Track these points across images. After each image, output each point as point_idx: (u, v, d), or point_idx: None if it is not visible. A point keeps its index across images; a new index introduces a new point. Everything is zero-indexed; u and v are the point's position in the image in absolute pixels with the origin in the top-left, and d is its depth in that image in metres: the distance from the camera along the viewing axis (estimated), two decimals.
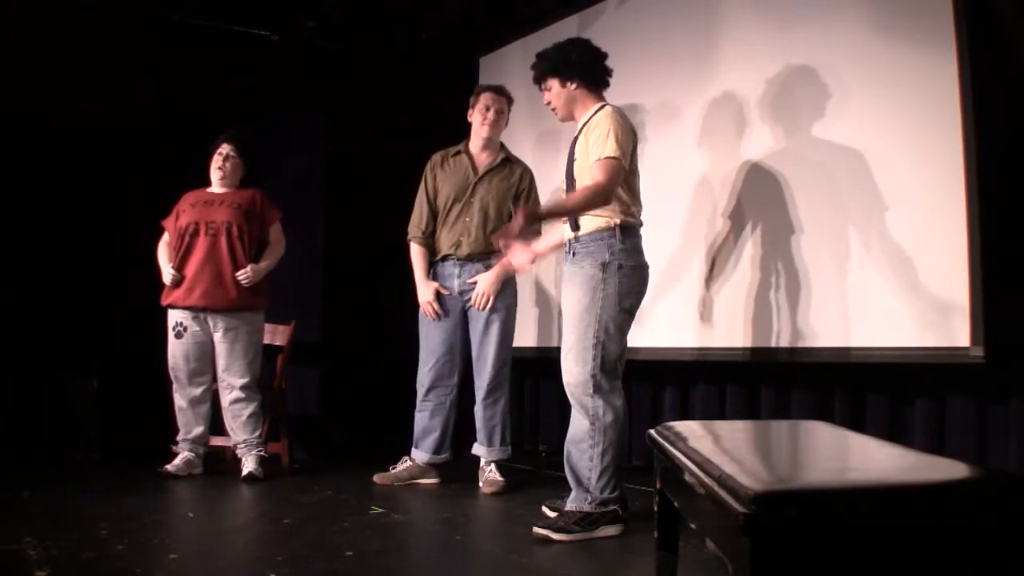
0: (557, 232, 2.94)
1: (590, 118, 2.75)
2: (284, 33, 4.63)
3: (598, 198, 2.59)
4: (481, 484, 3.51)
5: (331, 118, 4.92)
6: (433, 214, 3.64)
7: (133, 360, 4.69)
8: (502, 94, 3.61)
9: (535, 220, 2.65)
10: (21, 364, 4.65)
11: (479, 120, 3.57)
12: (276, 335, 4.38)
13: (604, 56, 2.85)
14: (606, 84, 2.87)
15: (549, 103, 2.89)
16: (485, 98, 3.57)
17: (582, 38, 2.95)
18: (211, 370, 3.86)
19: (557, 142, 4.18)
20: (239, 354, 3.79)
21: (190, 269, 3.77)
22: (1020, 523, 1.06)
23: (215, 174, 3.91)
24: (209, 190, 3.93)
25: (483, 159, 3.60)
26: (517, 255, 2.70)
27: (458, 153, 3.64)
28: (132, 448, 4.27)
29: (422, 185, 3.68)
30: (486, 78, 4.80)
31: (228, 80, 4.72)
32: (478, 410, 3.58)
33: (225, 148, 3.91)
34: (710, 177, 3.52)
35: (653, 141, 3.76)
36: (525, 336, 4.30)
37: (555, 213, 2.73)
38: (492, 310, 3.51)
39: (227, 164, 3.90)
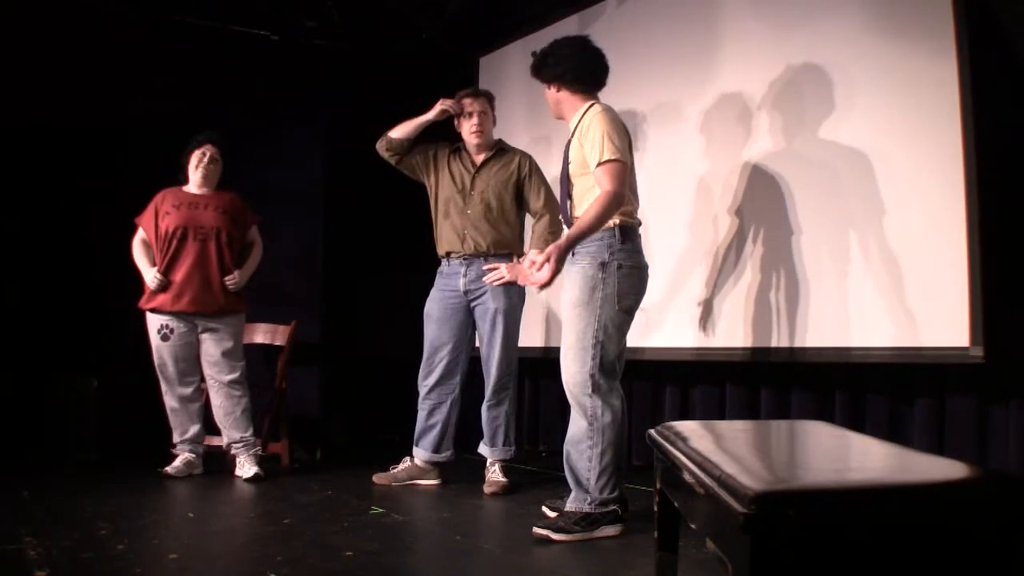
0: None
1: (580, 120, 2.74)
2: (284, 33, 4.63)
3: (612, 206, 2.57)
4: (485, 484, 3.52)
5: (331, 118, 4.92)
6: (425, 159, 3.64)
7: (133, 361, 4.67)
8: (479, 96, 3.59)
9: (563, 255, 2.59)
10: (21, 365, 4.64)
11: (466, 129, 3.58)
12: (276, 335, 4.38)
13: (596, 56, 2.81)
14: (599, 84, 2.84)
15: (547, 99, 2.90)
16: (465, 104, 3.56)
17: (573, 37, 2.93)
18: (199, 369, 3.87)
19: (555, 143, 4.18)
20: (225, 351, 3.80)
21: (178, 274, 3.74)
22: (1020, 523, 1.06)
23: (197, 174, 3.86)
24: (186, 189, 3.88)
25: (480, 155, 3.61)
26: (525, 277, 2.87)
27: (457, 150, 3.65)
28: (132, 448, 4.27)
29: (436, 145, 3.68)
30: (486, 78, 4.80)
31: (228, 80, 4.71)
32: (483, 410, 3.59)
33: (210, 149, 3.87)
34: (710, 177, 3.52)
35: (654, 141, 3.76)
36: (528, 336, 4.29)
37: (578, 239, 2.62)
38: (498, 311, 3.50)
39: (213, 166, 3.87)
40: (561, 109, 2.84)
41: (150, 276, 3.76)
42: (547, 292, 4.21)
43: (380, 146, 3.64)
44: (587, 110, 2.74)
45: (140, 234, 3.88)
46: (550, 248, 2.58)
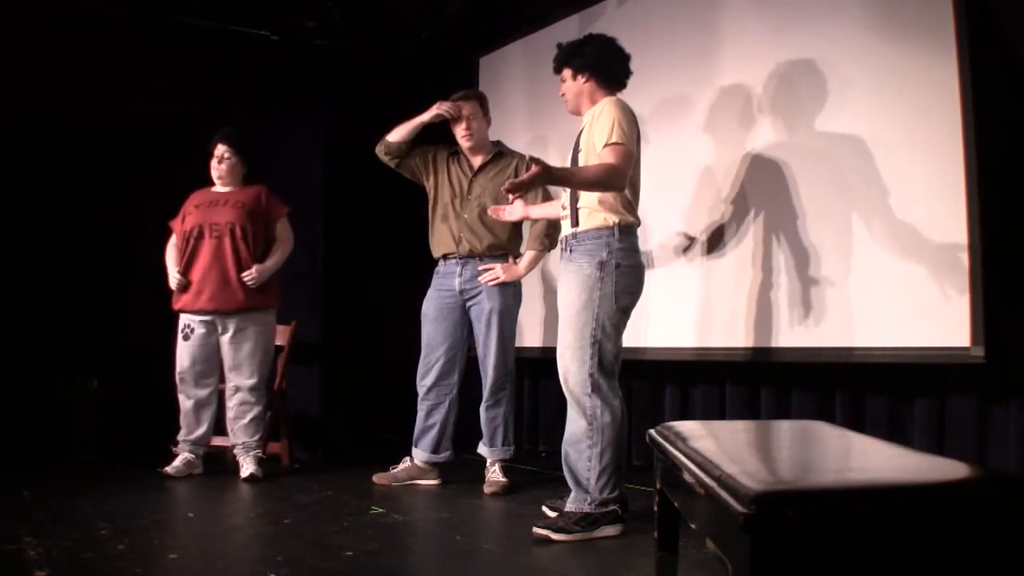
0: (553, 205, 3.06)
1: (593, 109, 2.76)
2: (284, 33, 4.63)
3: (610, 178, 2.58)
4: (484, 484, 3.52)
5: (331, 118, 4.92)
6: (424, 161, 3.65)
7: (133, 360, 4.69)
8: (469, 99, 3.58)
9: (548, 178, 2.59)
10: (21, 365, 4.65)
11: (458, 132, 3.59)
12: (276, 335, 4.37)
13: (624, 56, 2.85)
14: (622, 84, 2.87)
15: (562, 93, 2.90)
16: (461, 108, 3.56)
17: (607, 36, 2.92)
18: (217, 372, 3.87)
19: (554, 143, 4.18)
20: (247, 355, 3.79)
21: (196, 273, 3.77)
22: (1020, 523, 1.06)
23: (214, 175, 3.91)
24: (214, 189, 3.93)
25: (477, 158, 3.62)
26: (513, 211, 3.18)
27: (456, 153, 3.66)
28: (132, 448, 4.27)
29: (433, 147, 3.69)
30: (486, 78, 4.81)
31: (228, 80, 4.71)
32: (482, 411, 3.59)
33: (221, 149, 3.89)
34: (710, 178, 3.52)
35: (654, 140, 3.75)
36: (528, 336, 4.30)
37: (568, 178, 2.65)
38: (492, 311, 3.50)
39: (223, 165, 3.88)
40: (581, 101, 2.84)
41: (172, 277, 3.80)
42: (545, 292, 4.24)
43: (379, 150, 3.65)
44: (602, 101, 2.76)
45: (173, 239, 3.93)
46: (542, 163, 2.51)
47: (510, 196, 2.84)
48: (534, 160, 2.52)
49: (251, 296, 3.78)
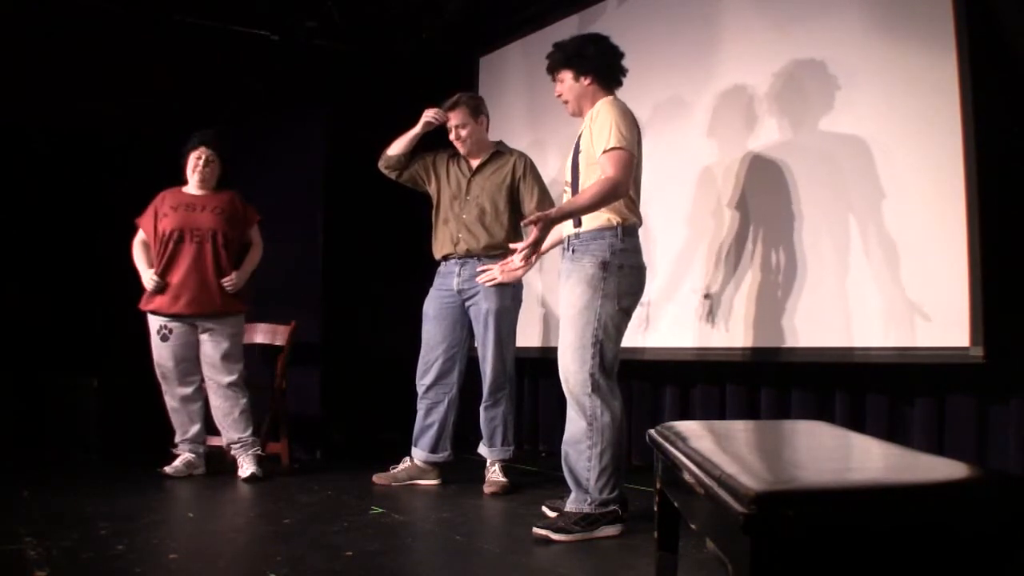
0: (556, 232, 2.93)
1: (592, 110, 2.75)
2: (284, 33, 4.63)
3: (612, 190, 2.56)
4: (484, 484, 3.52)
5: (331, 118, 4.91)
6: (424, 168, 3.68)
7: (133, 360, 4.67)
8: (456, 108, 3.56)
9: (550, 225, 2.56)
10: (21, 364, 4.65)
11: (452, 139, 3.61)
12: (276, 335, 4.38)
13: (621, 55, 2.85)
14: (619, 83, 2.87)
15: (560, 95, 2.88)
16: (450, 118, 3.57)
17: (602, 35, 2.92)
18: (199, 369, 3.87)
19: (554, 144, 4.18)
20: (224, 354, 3.80)
21: (175, 276, 3.75)
22: (1020, 523, 1.06)
23: (194, 177, 3.87)
24: (186, 190, 3.89)
25: (475, 160, 3.64)
26: (515, 270, 3.01)
27: (456, 155, 3.67)
28: (132, 448, 4.27)
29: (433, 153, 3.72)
30: (486, 78, 4.81)
31: (228, 80, 4.71)
32: (481, 411, 3.60)
33: (204, 152, 3.86)
34: (710, 178, 3.52)
35: (654, 141, 3.74)
36: (528, 336, 4.30)
37: (570, 214, 2.62)
38: (489, 312, 3.51)
39: (207, 169, 3.87)
40: (583, 102, 2.82)
41: (147, 278, 3.78)
42: (545, 292, 4.24)
43: (381, 165, 3.70)
44: (599, 103, 2.75)
45: (140, 235, 3.89)
46: (540, 214, 2.54)
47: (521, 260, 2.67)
48: (531, 220, 2.52)
49: (227, 300, 3.79)
